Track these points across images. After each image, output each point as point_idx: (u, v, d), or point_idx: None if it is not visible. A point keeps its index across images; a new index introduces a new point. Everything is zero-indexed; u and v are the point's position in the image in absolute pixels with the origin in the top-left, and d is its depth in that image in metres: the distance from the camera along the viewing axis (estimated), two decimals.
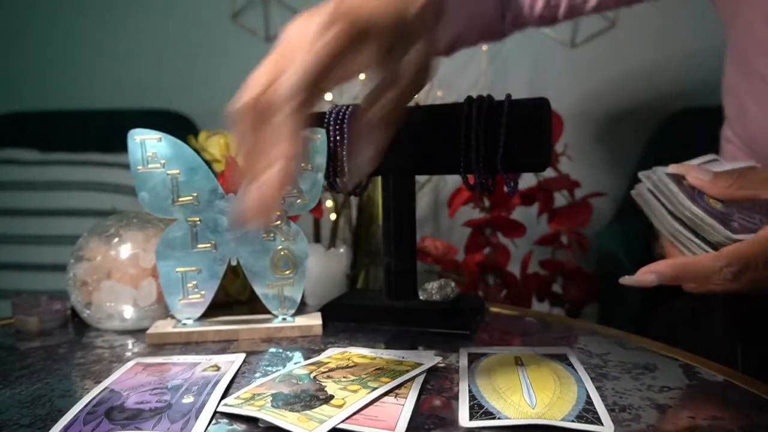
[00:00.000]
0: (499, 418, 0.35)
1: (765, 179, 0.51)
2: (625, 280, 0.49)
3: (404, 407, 0.37)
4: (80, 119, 1.50)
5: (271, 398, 0.38)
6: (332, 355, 0.47)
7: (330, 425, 0.34)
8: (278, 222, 0.56)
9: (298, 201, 0.56)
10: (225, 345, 0.53)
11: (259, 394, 0.39)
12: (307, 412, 0.36)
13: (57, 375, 0.46)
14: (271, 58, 0.38)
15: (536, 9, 0.84)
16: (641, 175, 0.54)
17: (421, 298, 0.59)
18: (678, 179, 0.51)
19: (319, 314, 0.58)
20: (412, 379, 0.42)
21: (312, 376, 0.42)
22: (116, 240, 0.58)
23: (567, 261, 1.08)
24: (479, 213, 1.09)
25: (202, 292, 0.56)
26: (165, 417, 0.36)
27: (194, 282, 0.56)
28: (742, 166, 0.53)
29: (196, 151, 0.56)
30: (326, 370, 0.43)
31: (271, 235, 0.56)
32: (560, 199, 1.09)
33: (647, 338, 0.52)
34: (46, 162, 1.35)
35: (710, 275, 0.47)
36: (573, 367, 0.44)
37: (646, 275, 0.48)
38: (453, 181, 1.36)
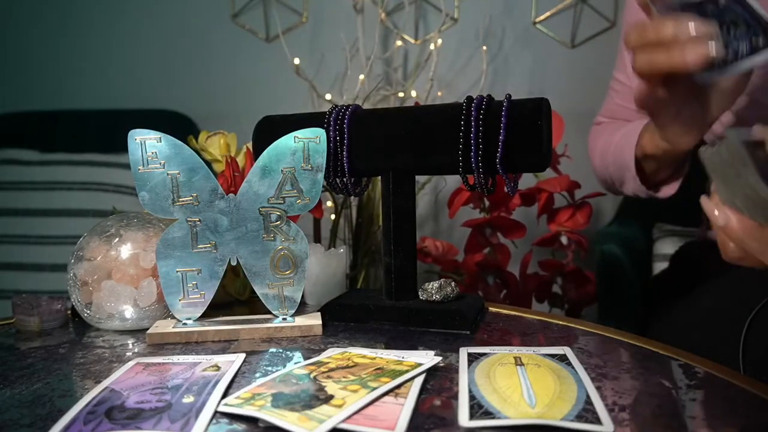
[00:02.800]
0: (498, 418, 0.35)
1: None
2: (703, 199, 0.50)
3: (404, 407, 0.37)
4: (80, 119, 1.50)
5: (271, 398, 0.38)
6: (332, 355, 0.47)
7: (330, 425, 0.34)
8: (278, 222, 0.56)
9: (298, 201, 0.56)
10: (225, 345, 0.53)
11: (259, 394, 0.39)
12: (307, 412, 0.36)
13: (57, 375, 0.46)
14: None
15: None
16: (729, 130, 0.49)
17: (421, 298, 0.59)
18: (756, 145, 0.47)
19: (319, 314, 0.58)
20: (412, 379, 0.42)
21: (312, 376, 0.42)
22: (116, 240, 0.58)
23: (567, 262, 1.08)
24: (479, 213, 1.09)
25: (202, 292, 0.56)
26: (165, 417, 0.36)
27: (194, 282, 0.56)
28: None
29: (196, 151, 0.56)
30: (326, 370, 0.43)
31: (271, 235, 0.56)
32: (560, 199, 1.09)
33: (647, 338, 0.52)
34: (46, 162, 1.35)
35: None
36: (573, 367, 0.44)
37: (720, 214, 0.48)
38: (453, 181, 1.36)
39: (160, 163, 0.55)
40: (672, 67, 0.55)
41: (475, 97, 0.56)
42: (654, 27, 0.55)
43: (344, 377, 0.42)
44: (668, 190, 0.78)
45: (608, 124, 0.88)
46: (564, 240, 1.07)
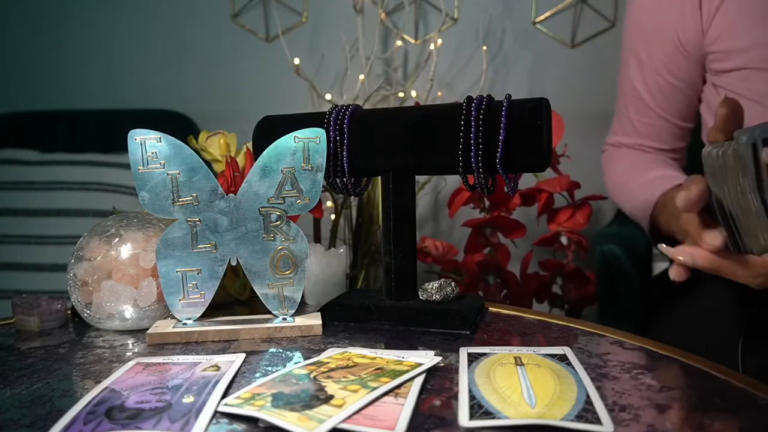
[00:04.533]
0: (498, 418, 0.35)
1: None
2: (663, 248, 0.51)
3: (404, 407, 0.37)
4: (80, 119, 1.50)
5: (271, 398, 0.38)
6: (332, 355, 0.47)
7: (330, 425, 0.34)
8: (278, 222, 0.56)
9: (298, 201, 0.56)
10: (225, 345, 0.53)
11: (259, 394, 0.39)
12: (307, 412, 0.36)
13: (57, 375, 0.46)
14: None
15: None
16: (738, 133, 0.46)
17: (421, 298, 0.59)
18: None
19: (319, 314, 0.58)
20: (412, 379, 0.42)
21: (312, 376, 0.42)
22: (116, 240, 0.58)
23: (567, 261, 1.08)
24: (479, 213, 1.09)
25: (202, 292, 0.56)
26: (165, 417, 0.36)
27: (194, 282, 0.56)
28: None
29: (196, 151, 0.56)
30: (326, 370, 0.43)
31: (271, 235, 0.56)
32: (560, 199, 1.09)
33: (647, 338, 0.52)
34: (46, 162, 1.35)
35: (739, 280, 0.47)
36: (573, 367, 0.44)
37: (683, 257, 0.49)
38: (453, 181, 1.36)
39: (160, 163, 0.55)
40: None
41: (475, 97, 0.56)
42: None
43: (344, 377, 0.42)
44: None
45: (627, 150, 0.86)
46: (564, 240, 1.07)
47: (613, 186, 0.87)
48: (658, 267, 1.07)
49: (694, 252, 0.49)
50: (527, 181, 0.98)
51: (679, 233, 0.62)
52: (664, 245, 0.52)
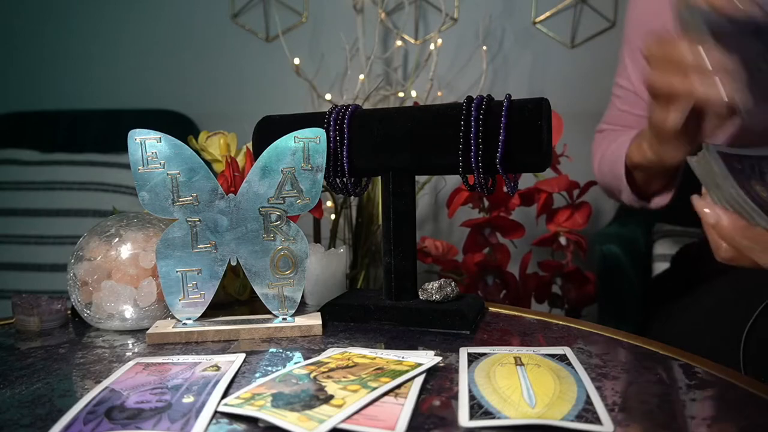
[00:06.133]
0: (498, 418, 0.35)
1: None
2: (695, 199, 0.50)
3: (404, 407, 0.37)
4: (80, 119, 1.50)
5: (271, 398, 0.38)
6: (332, 355, 0.47)
7: (330, 425, 0.34)
8: (278, 222, 0.56)
9: (298, 201, 0.56)
10: (225, 345, 0.53)
11: (259, 394, 0.39)
12: (307, 412, 0.36)
13: (57, 375, 0.46)
14: None
15: None
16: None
17: (421, 298, 0.59)
18: (732, 157, 0.47)
19: (319, 314, 0.58)
20: (412, 379, 0.42)
21: (312, 376, 0.42)
22: (116, 240, 0.58)
23: (566, 262, 1.08)
24: (478, 213, 1.09)
25: (202, 292, 0.56)
26: (165, 417, 0.36)
27: (194, 282, 0.56)
28: None
29: (196, 151, 0.56)
30: (326, 370, 0.43)
31: (271, 235, 0.56)
32: (560, 199, 1.09)
33: (647, 338, 0.52)
34: (46, 162, 1.35)
35: (756, 258, 0.47)
36: (573, 367, 0.44)
37: (709, 213, 0.48)
38: (453, 181, 1.36)
39: (160, 163, 0.55)
40: (688, 98, 0.51)
41: (475, 97, 0.56)
42: (678, 47, 0.49)
43: (344, 377, 0.42)
44: (659, 201, 0.77)
45: (610, 132, 0.87)
46: (563, 240, 1.07)
47: (598, 166, 0.87)
48: (658, 267, 1.07)
49: (722, 213, 0.48)
50: (527, 181, 0.98)
51: (648, 142, 0.64)
52: (695, 196, 0.51)
